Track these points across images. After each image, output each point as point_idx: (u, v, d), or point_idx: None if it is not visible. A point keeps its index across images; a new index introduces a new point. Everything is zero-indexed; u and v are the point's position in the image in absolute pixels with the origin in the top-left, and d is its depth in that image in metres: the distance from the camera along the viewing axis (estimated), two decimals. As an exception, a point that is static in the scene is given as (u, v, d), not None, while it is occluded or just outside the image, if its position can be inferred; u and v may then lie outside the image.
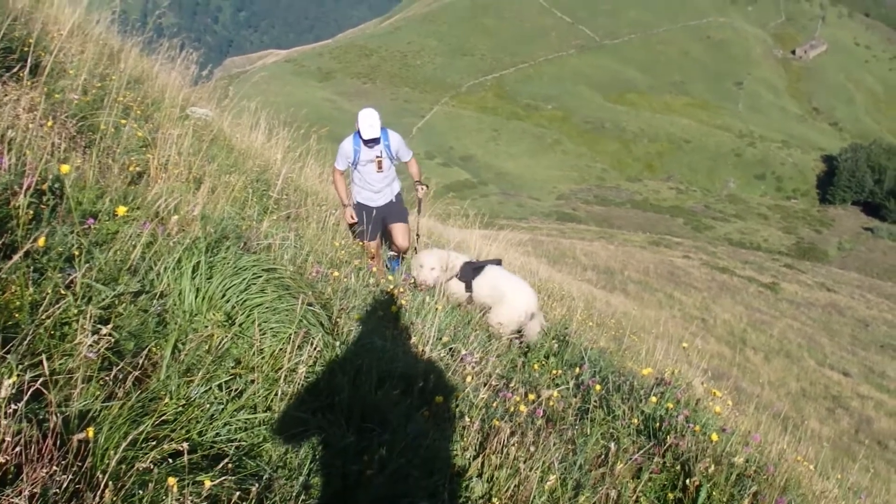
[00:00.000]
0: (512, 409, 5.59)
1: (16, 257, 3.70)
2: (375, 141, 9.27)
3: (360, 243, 9.57)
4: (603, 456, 5.64)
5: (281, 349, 4.54)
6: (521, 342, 8.38)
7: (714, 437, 6.24)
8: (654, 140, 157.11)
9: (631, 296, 39.02)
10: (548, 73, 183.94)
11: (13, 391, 2.95)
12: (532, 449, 4.99)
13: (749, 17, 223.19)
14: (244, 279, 4.73)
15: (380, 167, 9.57)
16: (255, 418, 4.05)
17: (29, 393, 3.03)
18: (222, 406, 3.95)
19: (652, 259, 57.61)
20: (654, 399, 6.83)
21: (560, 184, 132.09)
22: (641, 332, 16.96)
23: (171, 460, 3.38)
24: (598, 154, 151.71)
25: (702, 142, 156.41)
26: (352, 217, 9.63)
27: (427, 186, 10.41)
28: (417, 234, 10.61)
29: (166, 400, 3.71)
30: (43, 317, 3.62)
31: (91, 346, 3.49)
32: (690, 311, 41.09)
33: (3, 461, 2.85)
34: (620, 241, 72.70)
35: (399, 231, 10.02)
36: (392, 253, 10.21)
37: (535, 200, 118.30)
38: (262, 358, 4.46)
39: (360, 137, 9.22)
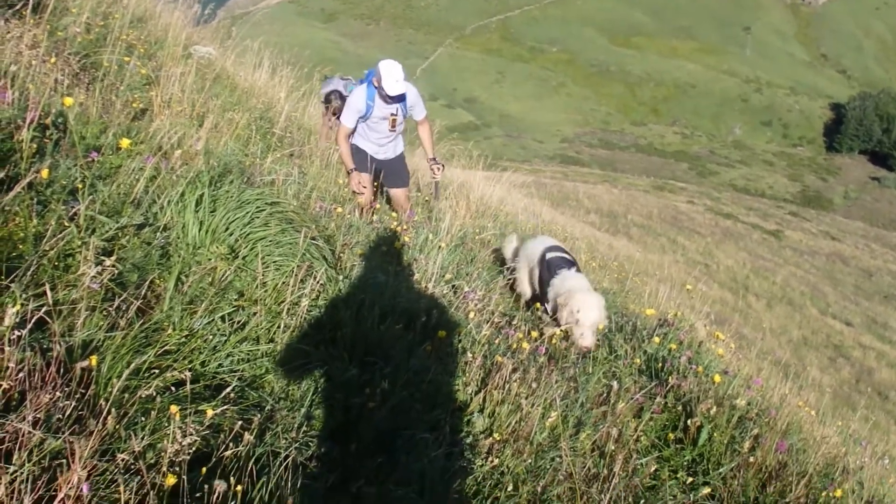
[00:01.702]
0: (514, 345, 5.60)
1: (18, 187, 3.69)
2: (401, 98, 8.48)
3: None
4: (605, 395, 5.66)
5: (284, 282, 4.55)
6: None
7: (717, 378, 6.26)
8: (660, 84, 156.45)
9: (634, 239, 39.05)
10: (553, 16, 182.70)
11: (17, 320, 2.97)
12: (534, 386, 5.01)
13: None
14: (247, 213, 4.73)
15: (393, 126, 8.77)
16: (258, 350, 4.07)
17: (33, 322, 3.04)
18: (225, 338, 3.97)
19: (656, 203, 57.58)
20: (656, 339, 6.84)
21: (564, 127, 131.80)
22: (644, 276, 16.98)
23: (173, 389, 3.40)
24: (603, 98, 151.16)
25: (708, 87, 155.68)
26: (360, 185, 8.54)
27: (443, 166, 9.42)
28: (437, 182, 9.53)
29: (169, 331, 3.73)
30: (46, 248, 3.63)
31: (94, 277, 3.50)
32: (693, 256, 41.13)
33: (8, 387, 2.87)
34: (624, 185, 72.66)
35: (400, 197, 9.29)
36: (413, 217, 8.65)
37: (538, 143, 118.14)
38: (265, 291, 4.47)
39: (380, 91, 8.33)
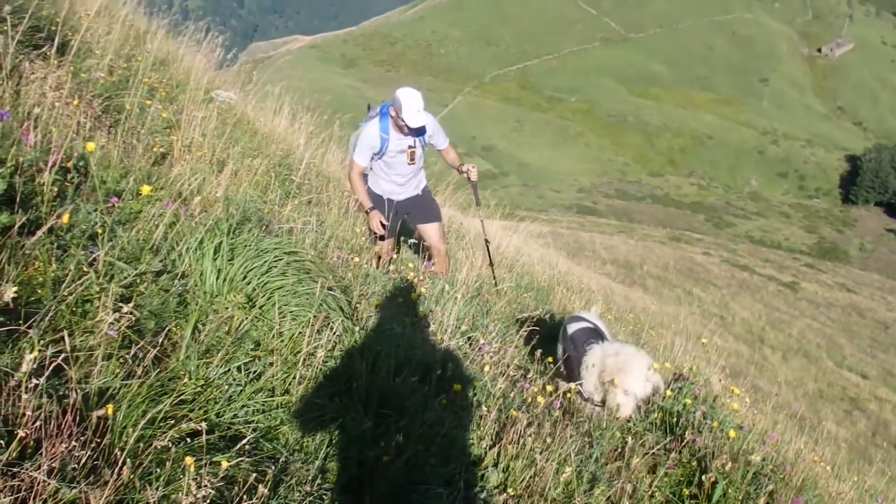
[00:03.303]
0: (529, 399, 5.57)
1: (39, 233, 3.72)
2: (421, 130, 7.96)
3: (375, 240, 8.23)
4: (619, 450, 5.62)
5: (300, 333, 4.54)
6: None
7: (731, 433, 6.21)
8: (677, 135, 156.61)
9: (650, 291, 38.99)
10: (572, 65, 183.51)
11: (34, 366, 2.97)
12: (549, 440, 4.98)
13: (775, 13, 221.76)
14: (265, 262, 4.74)
15: (412, 159, 8.15)
16: (273, 401, 4.06)
17: (50, 368, 3.04)
18: (241, 388, 3.96)
19: (672, 255, 57.58)
20: (671, 394, 6.80)
21: (581, 176, 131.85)
22: (660, 328, 16.92)
23: (188, 440, 3.39)
24: (621, 147, 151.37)
25: (725, 138, 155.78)
26: (381, 225, 7.95)
27: (474, 165, 8.59)
28: (487, 240, 9.34)
29: (185, 380, 3.73)
30: (65, 293, 3.64)
31: (112, 323, 3.50)
32: (709, 308, 41.04)
33: (24, 435, 2.86)
34: (640, 236, 72.68)
35: (434, 232, 8.62)
36: (430, 267, 8.25)
37: (555, 192, 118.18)
38: (282, 341, 4.47)
39: (396, 122, 7.75)
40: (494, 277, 9.13)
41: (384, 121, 7.92)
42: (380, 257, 8.19)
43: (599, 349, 6.29)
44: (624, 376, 5.92)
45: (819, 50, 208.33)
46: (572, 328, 6.99)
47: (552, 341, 7.43)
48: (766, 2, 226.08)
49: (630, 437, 5.63)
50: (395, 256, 8.17)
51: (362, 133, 8.07)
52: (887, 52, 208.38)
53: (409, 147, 8.08)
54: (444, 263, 8.65)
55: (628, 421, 6.12)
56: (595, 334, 6.85)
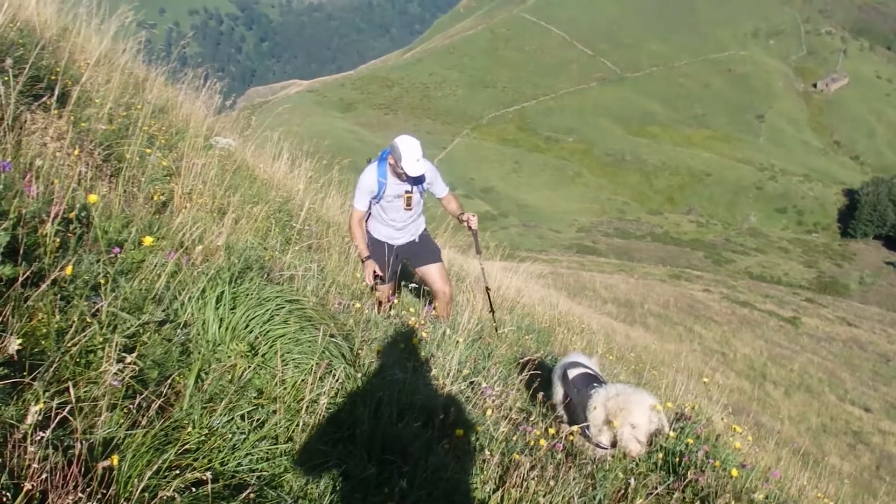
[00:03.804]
0: (532, 442, 5.57)
1: (43, 286, 3.74)
2: (420, 179, 8.01)
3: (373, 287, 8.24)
4: (622, 491, 5.62)
5: (303, 380, 4.55)
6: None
7: (734, 472, 6.21)
8: (675, 173, 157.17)
9: (651, 329, 38.94)
10: (569, 106, 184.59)
11: (40, 418, 2.99)
12: (552, 483, 4.97)
13: (770, 50, 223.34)
14: (267, 310, 4.76)
15: (409, 204, 8.17)
16: (277, 449, 4.07)
17: (55, 420, 3.06)
18: (244, 436, 3.97)
19: (672, 292, 57.53)
20: (673, 434, 6.80)
21: (580, 216, 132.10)
22: (661, 366, 16.90)
23: (193, 489, 3.39)
24: (619, 187, 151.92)
25: (723, 175, 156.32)
26: (376, 274, 7.99)
27: (475, 214, 8.56)
28: (488, 287, 9.34)
29: (189, 429, 3.73)
30: (69, 344, 3.65)
31: (116, 374, 3.52)
32: (710, 344, 40.97)
33: (30, 487, 2.87)
34: (640, 275, 72.63)
35: (436, 273, 8.58)
36: (431, 311, 8.31)
37: (555, 232, 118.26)
38: (285, 389, 4.48)
39: (395, 169, 7.82)
40: (495, 322, 9.11)
41: (382, 165, 7.95)
42: (381, 302, 8.20)
43: (603, 391, 6.30)
44: (628, 413, 5.95)
45: (814, 85, 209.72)
46: (573, 372, 6.95)
47: (552, 384, 7.39)
48: (760, 39, 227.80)
49: (633, 478, 5.62)
50: (395, 301, 8.14)
51: (360, 178, 8.11)
52: (882, 86, 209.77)
53: (406, 192, 8.10)
54: (447, 307, 8.57)
55: (632, 461, 6.12)
56: (595, 379, 6.85)
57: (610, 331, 22.66)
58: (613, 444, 6.12)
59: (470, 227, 8.54)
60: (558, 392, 7.07)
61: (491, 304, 9.25)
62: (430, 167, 8.10)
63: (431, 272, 8.61)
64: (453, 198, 8.55)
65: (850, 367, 46.19)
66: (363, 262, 8.13)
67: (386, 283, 8.35)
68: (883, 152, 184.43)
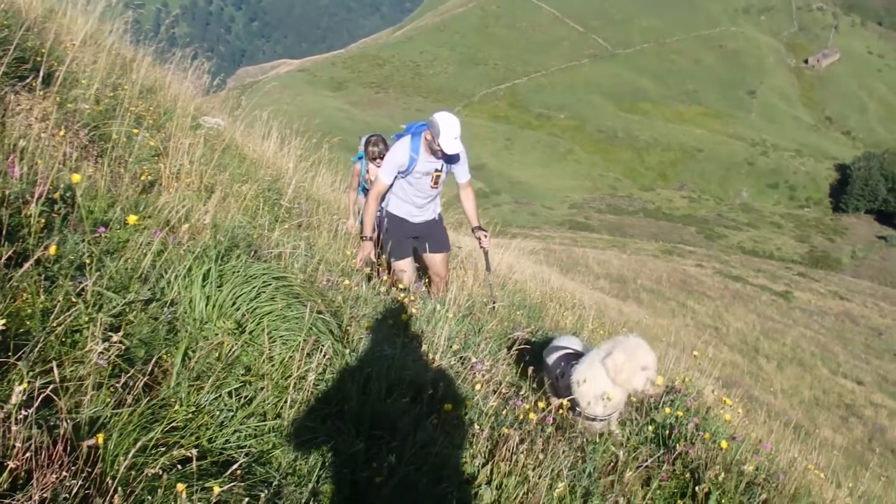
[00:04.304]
0: (521, 416, 5.56)
1: (27, 265, 3.73)
2: (455, 157, 7.94)
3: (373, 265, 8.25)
4: (612, 464, 5.62)
5: (290, 357, 4.54)
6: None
7: (724, 444, 6.22)
8: (667, 149, 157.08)
9: (644, 304, 39.02)
10: (560, 83, 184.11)
11: (24, 398, 2.97)
12: (541, 456, 4.98)
13: (762, 26, 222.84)
14: (254, 287, 4.74)
15: (436, 182, 8.15)
16: (265, 425, 4.06)
17: (40, 399, 3.06)
18: (232, 413, 3.97)
19: (664, 268, 57.61)
20: (667, 410, 6.81)
21: (573, 193, 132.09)
22: (654, 341, 16.93)
23: (180, 466, 3.38)
24: (611, 163, 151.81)
25: (714, 151, 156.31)
26: (368, 257, 8.05)
27: (488, 233, 8.81)
28: (494, 302, 9.01)
29: (176, 407, 3.73)
30: (54, 324, 3.64)
31: (102, 353, 3.51)
32: (703, 319, 41.08)
33: (14, 466, 2.87)
34: (633, 250, 72.71)
35: (440, 263, 8.66)
36: (421, 287, 8.36)
37: (547, 209, 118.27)
38: (272, 366, 4.47)
39: (431, 145, 7.78)
40: (494, 302, 9.05)
41: (415, 140, 7.91)
42: (400, 280, 8.10)
43: (585, 359, 6.25)
44: (635, 358, 5.93)
45: (806, 61, 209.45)
46: (551, 358, 6.81)
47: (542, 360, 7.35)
48: (752, 15, 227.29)
49: (623, 451, 5.63)
50: (423, 289, 8.15)
51: (390, 151, 8.08)
52: (873, 62, 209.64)
53: (436, 171, 8.08)
54: (442, 291, 8.56)
55: (620, 436, 6.14)
56: (576, 357, 6.62)
57: (602, 306, 22.68)
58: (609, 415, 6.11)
59: (481, 245, 8.67)
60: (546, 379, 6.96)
61: (487, 260, 9.18)
62: (463, 150, 8.02)
63: (436, 261, 8.66)
64: (470, 186, 8.50)
65: (843, 341, 46.36)
66: (362, 240, 8.15)
67: (402, 259, 8.30)
68: (874, 128, 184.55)
